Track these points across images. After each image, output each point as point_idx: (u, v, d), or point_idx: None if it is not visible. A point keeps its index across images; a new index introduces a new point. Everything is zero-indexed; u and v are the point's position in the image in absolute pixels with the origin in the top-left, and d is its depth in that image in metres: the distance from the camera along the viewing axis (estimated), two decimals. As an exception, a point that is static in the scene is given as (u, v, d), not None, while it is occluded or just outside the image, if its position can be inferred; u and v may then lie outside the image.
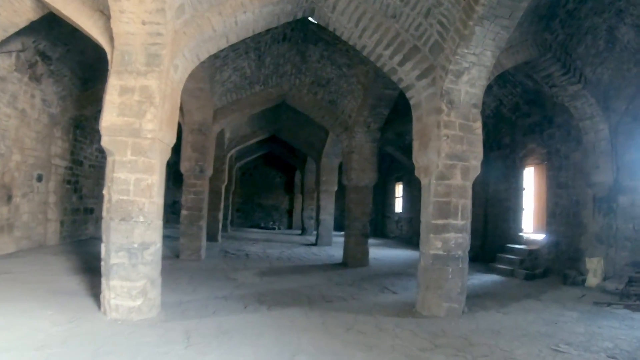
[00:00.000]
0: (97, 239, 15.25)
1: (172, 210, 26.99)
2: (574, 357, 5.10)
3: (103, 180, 6.10)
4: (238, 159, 22.97)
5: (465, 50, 6.58)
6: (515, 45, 8.52)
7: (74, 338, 4.74)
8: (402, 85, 7.61)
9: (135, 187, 5.65)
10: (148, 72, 5.64)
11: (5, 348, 4.31)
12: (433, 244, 6.94)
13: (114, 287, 5.54)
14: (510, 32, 6.47)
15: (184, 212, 11.52)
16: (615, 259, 9.93)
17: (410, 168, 20.38)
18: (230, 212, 22.83)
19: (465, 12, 6.16)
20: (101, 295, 5.73)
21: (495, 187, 14.34)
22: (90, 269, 8.60)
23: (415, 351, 5.09)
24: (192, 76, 10.57)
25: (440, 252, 6.92)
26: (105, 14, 5.76)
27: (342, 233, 19.77)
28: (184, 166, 11.50)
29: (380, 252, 15.36)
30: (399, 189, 23.56)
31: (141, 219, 5.65)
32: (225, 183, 17.66)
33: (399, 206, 23.30)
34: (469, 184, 7.24)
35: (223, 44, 6.96)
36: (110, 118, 5.56)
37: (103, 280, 5.68)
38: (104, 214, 5.80)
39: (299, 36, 11.02)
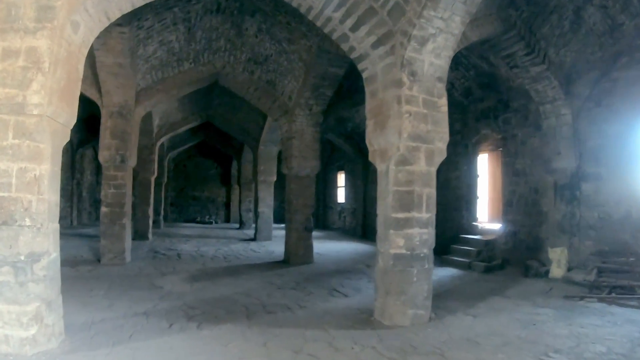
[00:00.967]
0: None
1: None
2: (571, 369, 4.29)
3: None
4: (170, 149, 21.36)
5: (432, 13, 5.61)
6: (479, 18, 7.76)
7: None
8: (354, 55, 6.51)
9: (18, 180, 4.28)
10: (38, 30, 4.25)
11: None
12: (394, 242, 5.91)
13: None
14: (482, -4, 5.56)
15: (103, 210, 10.03)
16: (580, 248, 9.49)
17: (352, 157, 19.90)
18: (162, 206, 21.16)
19: (435, -36, 5.15)
20: (-16, 324, 4.35)
21: (446, 174, 13.60)
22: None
23: (385, 379, 4.04)
24: (110, 49, 9.14)
25: (403, 251, 5.91)
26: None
27: (283, 226, 18.77)
28: (103, 156, 10.02)
29: (323, 246, 14.30)
30: (341, 179, 22.64)
31: (27, 222, 4.30)
32: (156, 175, 16.10)
33: (341, 196, 22.40)
34: (433, 170, 6.28)
35: (139, 1, 5.58)
36: (-15, 90, 4.16)
37: (-16, 305, 4.29)
38: (-24, 216, 4.39)
39: (235, 6, 9.72)
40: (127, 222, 10.19)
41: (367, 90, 6.57)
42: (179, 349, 4.69)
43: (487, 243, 11.16)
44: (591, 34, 8.73)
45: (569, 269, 9.22)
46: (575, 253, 9.39)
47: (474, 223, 12.52)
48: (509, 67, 9.62)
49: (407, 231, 5.92)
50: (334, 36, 6.49)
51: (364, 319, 6.12)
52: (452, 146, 13.50)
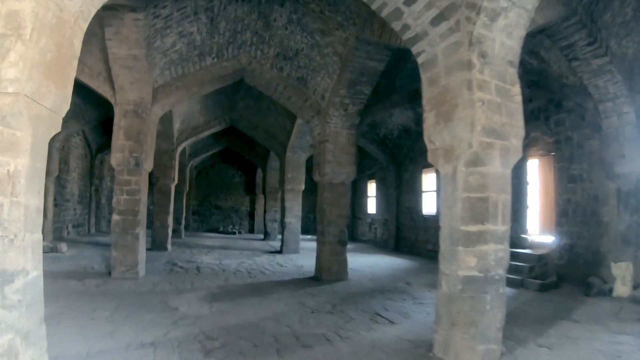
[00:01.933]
0: None
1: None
2: None
3: None
4: (192, 156, 20.45)
5: (506, -18, 4.49)
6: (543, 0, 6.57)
7: None
8: (407, 36, 5.38)
9: (-14, 178, 3.24)
10: (21, -10, 3.24)
11: None
12: (463, 261, 4.75)
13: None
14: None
15: (115, 218, 9.05)
16: (647, 263, 8.27)
17: (384, 164, 18.74)
18: (184, 215, 20.24)
19: None
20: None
21: None
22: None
23: None
24: (123, 39, 8.14)
25: (475, 273, 4.74)
26: None
27: (309, 237, 17.64)
28: (115, 158, 9.06)
29: (355, 260, 13.08)
30: (371, 188, 21.41)
31: (-4, 231, 3.25)
32: (176, 182, 15.12)
33: (371, 206, 21.18)
34: (509, 173, 5.10)
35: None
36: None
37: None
38: None
39: (262, -6, 8.75)
40: (141, 231, 9.18)
41: (425, 77, 5.44)
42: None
43: (540, 258, 9.94)
44: (656, 23, 7.60)
45: (635, 287, 8.10)
46: (642, 268, 8.23)
47: (523, 235, 11.30)
48: (568, 60, 8.43)
49: (481, 248, 4.75)
50: (384, 13, 5.38)
51: (421, 355, 4.96)
52: None
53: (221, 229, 25.29)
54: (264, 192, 22.18)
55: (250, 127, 15.78)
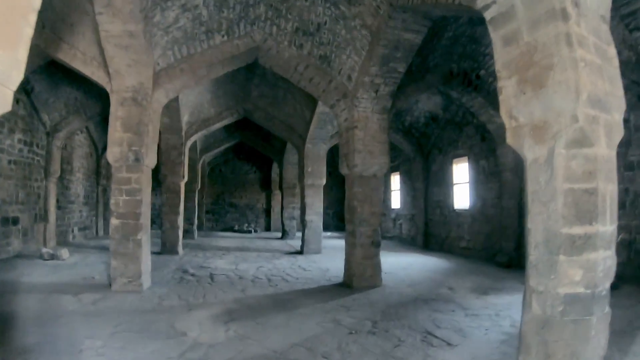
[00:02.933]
0: (23, 256, 11.82)
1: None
2: None
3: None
4: (204, 152, 19.24)
5: None
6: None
7: None
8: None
9: None
10: None
11: None
12: (566, 275, 3.40)
13: None
14: None
15: (113, 222, 7.82)
16: None
17: (410, 155, 17.33)
18: (196, 214, 19.06)
19: None
20: None
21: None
22: None
23: None
24: (116, 13, 6.80)
25: (581, 290, 3.39)
26: None
27: (329, 234, 16.37)
28: (112, 153, 7.84)
29: (384, 260, 11.37)
30: (395, 181, 20.05)
31: None
32: (186, 179, 13.89)
33: (395, 201, 19.83)
34: (614, 156, 3.73)
35: None
36: None
37: None
38: None
39: (277, -44, 7.44)
40: (144, 237, 7.95)
41: (498, 35, 4.08)
42: None
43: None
44: None
45: None
46: None
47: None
48: (629, 30, 7.15)
49: (588, 256, 3.41)
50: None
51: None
52: None
53: (236, 227, 24.13)
54: (280, 188, 20.97)
55: (266, 118, 14.49)
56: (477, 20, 8.36)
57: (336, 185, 23.83)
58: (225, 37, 8.60)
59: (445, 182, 15.40)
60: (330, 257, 12.95)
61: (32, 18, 2.70)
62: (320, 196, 14.11)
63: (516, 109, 3.87)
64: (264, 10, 8.47)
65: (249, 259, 12.30)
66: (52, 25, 7.51)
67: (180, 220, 13.28)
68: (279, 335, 5.46)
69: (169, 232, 13.01)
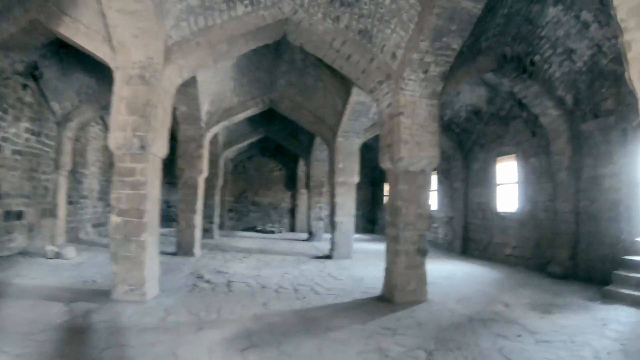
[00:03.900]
0: (27, 254, 10.78)
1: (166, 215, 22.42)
2: None
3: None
4: (227, 146, 18.05)
5: None
6: None
7: None
8: None
9: None
10: None
11: None
12: None
13: None
14: None
15: (113, 220, 6.64)
16: None
17: (448, 153, 15.79)
18: (217, 213, 17.90)
19: None
20: None
21: (593, 170, 9.97)
22: None
23: None
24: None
25: None
26: None
27: (357, 236, 15.07)
28: (114, 140, 6.66)
29: None
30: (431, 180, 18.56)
31: None
32: (206, 174, 12.68)
33: (431, 203, 18.31)
34: None
35: None
36: None
37: None
38: None
39: None
40: (150, 238, 6.75)
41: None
42: None
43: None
44: None
45: None
46: None
47: (639, 239, 8.58)
48: None
49: None
50: None
51: None
52: (600, 133, 9.61)
53: (259, 227, 22.95)
54: (307, 187, 19.72)
55: (293, 109, 13.21)
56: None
57: (365, 184, 22.54)
58: (249, 7, 7.34)
59: (487, 182, 13.97)
60: (362, 263, 11.66)
61: None
62: (352, 195, 12.80)
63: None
64: (295, -24, 7.22)
65: (272, 264, 11.06)
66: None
67: (198, 219, 12.10)
68: (312, 374, 4.19)
69: (185, 231, 11.85)
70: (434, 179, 17.92)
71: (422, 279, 7.39)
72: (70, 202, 14.01)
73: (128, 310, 6.10)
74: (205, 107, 11.90)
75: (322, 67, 11.32)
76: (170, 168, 13.57)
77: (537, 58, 9.57)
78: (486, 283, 9.48)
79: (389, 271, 7.47)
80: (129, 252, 6.58)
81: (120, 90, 6.77)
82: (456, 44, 6.84)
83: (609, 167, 9.41)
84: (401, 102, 7.25)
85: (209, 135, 12.49)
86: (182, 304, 6.65)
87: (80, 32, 7.05)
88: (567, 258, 10.16)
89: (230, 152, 20.87)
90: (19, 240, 11.02)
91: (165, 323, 5.66)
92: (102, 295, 6.81)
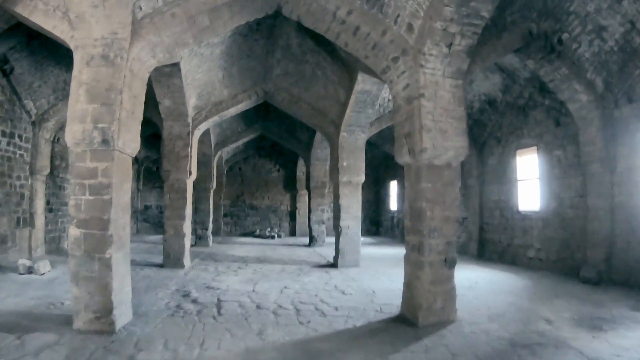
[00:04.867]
0: (1, 268, 9.45)
1: (144, 218, 21.14)
2: None
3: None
4: (220, 146, 16.74)
5: None
6: None
7: None
8: None
9: None
10: None
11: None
12: None
13: None
14: None
15: (72, 232, 5.36)
16: None
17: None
18: (211, 218, 16.60)
19: None
20: None
21: (628, 162, 9.08)
22: None
23: None
24: None
25: None
26: None
27: (362, 239, 13.83)
28: (71, 134, 5.39)
29: None
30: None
31: None
32: (194, 176, 11.36)
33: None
34: None
35: None
36: None
37: None
38: None
39: None
40: (118, 254, 5.47)
41: None
42: None
43: None
44: None
45: None
46: None
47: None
48: None
49: None
50: None
51: None
52: (637, 118, 8.36)
53: (257, 232, 21.73)
54: (307, 188, 18.42)
55: (290, 101, 11.92)
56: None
57: (368, 183, 21.30)
58: (235, -30, 6.10)
59: (506, 179, 12.73)
60: (371, 271, 10.40)
61: None
62: (357, 197, 11.50)
63: None
64: None
65: (270, 275, 9.77)
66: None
67: (187, 226, 10.80)
68: None
69: (173, 240, 10.57)
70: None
71: (450, 295, 6.12)
72: (50, 210, 12.81)
73: (90, 345, 4.85)
74: (192, 101, 10.63)
75: (321, 52, 10.08)
76: (155, 171, 12.51)
77: (565, 36, 8.47)
78: (514, 293, 8.27)
79: (410, 287, 6.19)
80: (92, 272, 5.30)
81: (80, 74, 5.52)
82: (486, 11, 5.59)
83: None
84: (421, 82, 5.98)
85: (197, 133, 11.21)
86: (159, 334, 5.37)
87: (37, 9, 5.86)
88: (601, 261, 9.10)
89: (225, 152, 19.69)
90: (-13, 255, 9.82)
91: (131, 368, 4.41)
92: (65, 323, 5.55)
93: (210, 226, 16.29)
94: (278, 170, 23.36)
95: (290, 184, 23.08)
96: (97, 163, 5.36)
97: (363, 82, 9.60)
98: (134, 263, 10.96)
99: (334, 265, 11.32)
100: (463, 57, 6.10)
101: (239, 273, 9.99)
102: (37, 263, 9.37)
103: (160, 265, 10.56)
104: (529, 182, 12.00)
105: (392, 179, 22.02)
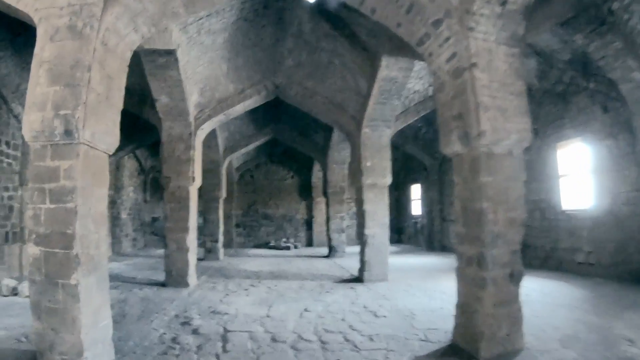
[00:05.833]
0: None
1: (152, 231, 20.01)
2: None
3: None
4: (229, 152, 15.46)
5: None
6: None
7: None
8: None
9: None
10: None
11: None
12: None
13: None
14: None
15: (31, 251, 4.13)
16: None
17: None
18: (221, 230, 15.30)
19: None
20: None
21: None
22: None
23: None
24: None
25: None
26: None
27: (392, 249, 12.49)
28: (30, 125, 4.17)
29: None
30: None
31: None
32: (198, 183, 10.00)
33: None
34: None
35: None
36: None
37: None
38: None
39: None
40: (88, 280, 4.19)
41: None
42: None
43: None
44: None
45: None
46: None
47: None
48: None
49: None
50: None
51: None
52: None
53: (272, 243, 20.39)
54: (324, 194, 17.05)
55: (304, 96, 10.62)
56: None
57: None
58: None
59: (545, 175, 11.34)
60: (402, 286, 9.07)
61: None
62: (384, 201, 10.12)
63: None
64: None
65: (287, 294, 8.43)
66: None
67: (191, 239, 9.50)
68: None
69: (175, 256, 9.30)
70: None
71: (516, 318, 4.78)
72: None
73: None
74: (193, 98, 9.41)
75: (338, 38, 8.84)
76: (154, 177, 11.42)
77: (615, 5, 7.20)
78: (576, 306, 6.97)
79: (466, 310, 4.84)
80: (55, 302, 4.07)
81: (41, 51, 4.33)
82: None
83: None
84: (472, 50, 4.68)
85: (200, 134, 9.95)
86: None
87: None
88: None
89: (235, 159, 18.48)
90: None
91: None
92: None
93: (221, 238, 15.03)
94: (292, 177, 22.09)
95: (305, 191, 21.78)
96: (59, 161, 4.11)
97: (388, 68, 8.32)
98: (134, 282, 9.75)
99: (359, 279, 9.99)
100: (519, 19, 4.82)
101: (251, 292, 8.69)
102: (22, 283, 8.21)
103: (162, 284, 9.32)
104: (573, 178, 10.67)
105: (414, 182, 20.71)
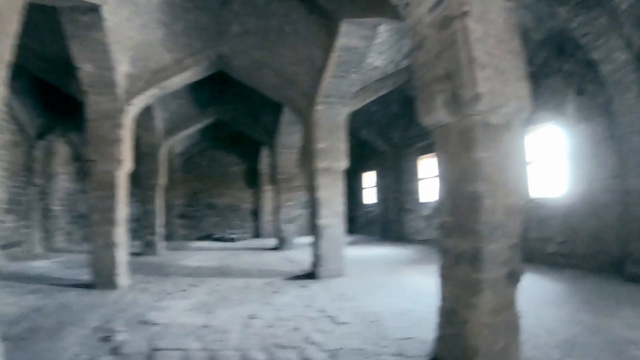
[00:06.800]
0: None
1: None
2: None
3: None
4: (169, 134, 14.03)
5: None
6: None
7: None
8: None
9: None
10: None
11: None
12: None
13: None
14: None
15: None
16: None
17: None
18: (157, 222, 13.89)
19: None
20: None
21: None
22: None
23: None
24: None
25: None
26: None
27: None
28: None
29: (429, 287, 6.80)
30: (424, 164, 15.43)
31: None
32: (128, 167, 8.56)
33: (426, 191, 15.26)
34: None
35: None
36: None
37: None
38: None
39: None
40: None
41: None
42: None
43: None
44: None
45: None
46: None
47: None
48: None
49: None
50: None
51: None
52: None
53: (217, 235, 19.18)
54: (273, 182, 15.94)
55: (252, 68, 9.41)
56: None
57: (341, 176, 19.19)
58: None
59: (512, 162, 10.68)
60: (362, 283, 8.13)
61: None
62: (339, 187, 9.10)
63: None
64: None
65: (231, 297, 7.25)
66: None
67: (120, 233, 8.15)
68: None
69: (102, 253, 7.96)
70: (427, 162, 14.67)
71: (514, 326, 3.83)
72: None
73: None
74: (123, 68, 8.09)
75: (292, 0, 7.74)
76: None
77: None
78: (561, 303, 6.36)
79: (454, 318, 3.86)
80: None
81: None
82: None
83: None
84: (463, -2, 3.69)
85: (132, 110, 8.62)
86: None
87: None
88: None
89: (177, 143, 17.12)
90: None
91: None
92: None
93: (160, 230, 13.68)
94: (238, 164, 20.86)
95: (252, 179, 20.63)
96: None
97: (347, 35, 7.30)
98: (58, 283, 8.40)
99: (312, 275, 8.95)
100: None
101: (189, 294, 7.49)
102: None
103: (88, 286, 8.03)
104: (543, 164, 10.05)
105: (367, 170, 20.01)
